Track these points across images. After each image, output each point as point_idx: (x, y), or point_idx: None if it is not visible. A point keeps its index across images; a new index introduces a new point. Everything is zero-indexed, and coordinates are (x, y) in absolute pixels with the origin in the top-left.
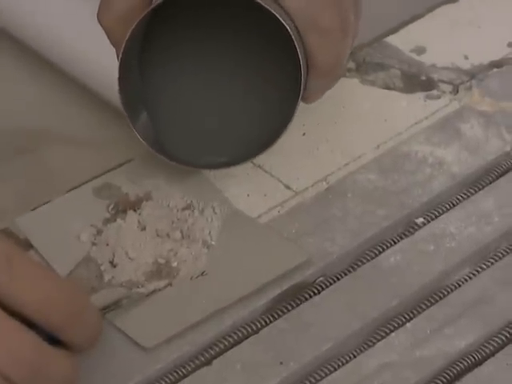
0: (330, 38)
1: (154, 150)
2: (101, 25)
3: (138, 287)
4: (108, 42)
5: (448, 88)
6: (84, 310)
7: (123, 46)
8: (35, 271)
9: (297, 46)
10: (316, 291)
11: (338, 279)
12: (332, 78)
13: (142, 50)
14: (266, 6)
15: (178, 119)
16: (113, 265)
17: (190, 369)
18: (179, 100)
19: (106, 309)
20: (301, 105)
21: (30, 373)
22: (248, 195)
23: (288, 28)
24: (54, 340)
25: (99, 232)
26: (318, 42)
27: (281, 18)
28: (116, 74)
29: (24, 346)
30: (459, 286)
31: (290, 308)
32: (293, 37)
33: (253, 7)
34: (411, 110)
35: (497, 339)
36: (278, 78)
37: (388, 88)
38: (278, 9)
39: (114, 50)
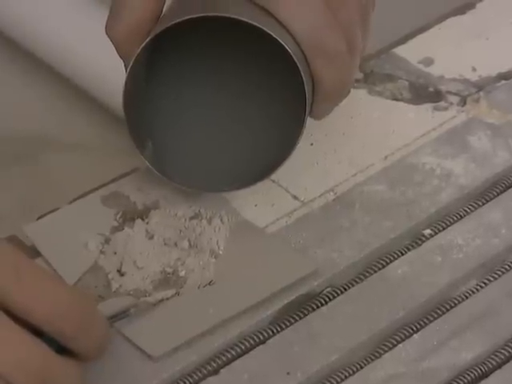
0: (337, 61)
1: (164, 176)
2: (109, 37)
3: (146, 296)
4: (111, 47)
5: (456, 100)
6: (93, 319)
7: (128, 70)
8: (44, 280)
9: (301, 72)
10: (323, 302)
11: (345, 290)
12: (339, 99)
13: (146, 74)
14: (270, 32)
15: (182, 145)
16: (120, 273)
17: (197, 378)
18: (184, 126)
19: (113, 318)
20: (309, 119)
21: (39, 382)
22: (256, 205)
23: (292, 55)
24: (61, 348)
25: (107, 240)
26: (325, 66)
27: (285, 45)
28: (120, 90)
29: (32, 355)
30: (466, 297)
31: (297, 318)
32: (297, 63)
33: (258, 33)
34: (419, 122)
35: (503, 351)
36: (284, 101)
37: (396, 99)
38: (284, 33)
39: (117, 56)
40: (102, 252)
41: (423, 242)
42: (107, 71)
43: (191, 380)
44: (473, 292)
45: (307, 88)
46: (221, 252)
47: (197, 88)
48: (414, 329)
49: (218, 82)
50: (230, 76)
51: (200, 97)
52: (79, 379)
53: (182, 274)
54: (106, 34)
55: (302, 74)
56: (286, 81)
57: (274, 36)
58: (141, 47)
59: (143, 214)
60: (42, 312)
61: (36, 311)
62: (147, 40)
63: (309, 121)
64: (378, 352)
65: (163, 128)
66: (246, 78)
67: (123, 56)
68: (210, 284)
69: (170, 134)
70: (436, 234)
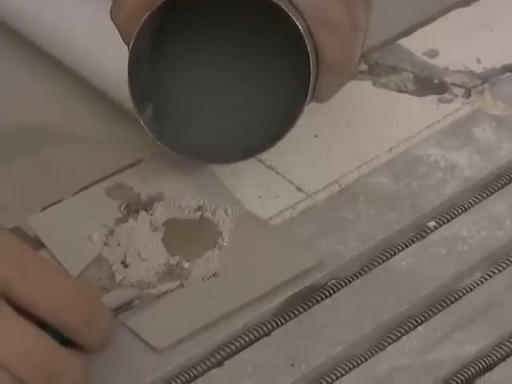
0: (340, 32)
1: (161, 143)
2: (113, 22)
3: (150, 288)
4: (115, 37)
5: (460, 91)
6: (97, 311)
7: (133, 39)
8: (48, 272)
9: (306, 41)
10: (327, 294)
11: (350, 282)
12: (342, 74)
13: (153, 45)
14: (275, 1)
15: (184, 113)
16: (124, 265)
17: (201, 370)
18: (187, 94)
19: (117, 309)
20: (313, 105)
21: (44, 374)
22: (260, 197)
23: (297, 23)
24: (66, 341)
25: (111, 232)
26: (328, 37)
27: (290, 14)
28: (125, 68)
29: (36, 347)
30: (471, 290)
31: (301, 310)
32: (302, 31)
33: (261, 2)
34: (423, 114)
35: (508, 344)
36: (288, 74)
37: (400, 91)
38: (287, 4)
39: (122, 47)
40: (105, 244)
41: (428, 234)
42: (110, 61)
43: (195, 372)
44: (477, 284)
45: (311, 57)
46: (225, 244)
47: (201, 64)
48: (419, 321)
49: (224, 55)
50: (236, 49)
51: (204, 73)
52: (84, 371)
53: (186, 265)
54: (111, 19)
55: (307, 42)
56: (293, 58)
57: (279, 4)
58: (147, 15)
59: (147, 206)
60: (46, 304)
61: (40, 303)
62: (154, 9)
63: (313, 112)
64: (382, 344)
65: (165, 95)
66: (251, 52)
67: (127, 41)
68: (214, 276)
69: (171, 103)
70: (440, 226)
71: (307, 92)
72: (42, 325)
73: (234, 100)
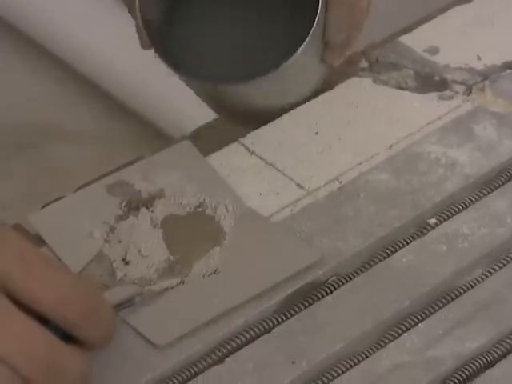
0: None
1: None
2: None
3: (151, 285)
4: (117, 35)
5: (461, 88)
6: (98, 307)
7: None
8: (50, 268)
9: None
10: (328, 291)
11: (351, 279)
12: (354, 11)
13: None
14: None
15: (193, 37)
16: (125, 262)
17: (202, 367)
18: (196, 19)
19: (118, 306)
20: (314, 102)
21: (44, 370)
22: (260, 194)
23: None
24: (67, 337)
25: (112, 229)
26: None
27: None
28: (124, 78)
29: (38, 343)
30: (471, 286)
31: (302, 307)
32: None
33: None
34: (424, 111)
35: (509, 341)
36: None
37: (401, 88)
38: None
39: (124, 45)
40: (106, 241)
41: (428, 231)
42: (111, 59)
43: (196, 369)
44: (478, 281)
45: None
46: (225, 241)
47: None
48: (419, 318)
49: None
50: None
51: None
52: (85, 367)
53: (187, 262)
54: None
55: None
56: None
57: None
58: None
59: (148, 203)
60: (47, 299)
61: (40, 298)
62: None
63: (314, 109)
64: (383, 341)
65: (176, 18)
66: None
67: None
68: (214, 273)
69: (182, 26)
70: (441, 223)
71: (315, 19)
72: (43, 320)
73: (243, 27)
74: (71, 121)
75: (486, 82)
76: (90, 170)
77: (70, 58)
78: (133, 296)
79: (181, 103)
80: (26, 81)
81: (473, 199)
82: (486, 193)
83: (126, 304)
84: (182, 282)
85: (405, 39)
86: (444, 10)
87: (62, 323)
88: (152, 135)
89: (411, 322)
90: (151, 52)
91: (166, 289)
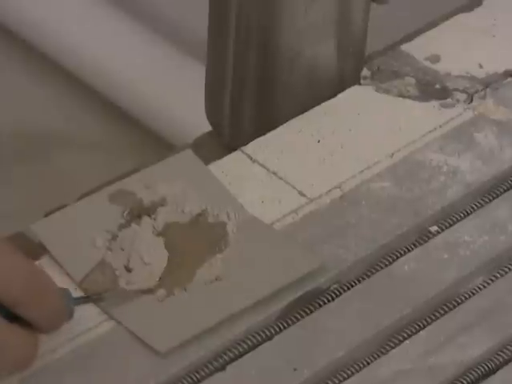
0: None
1: None
2: None
3: (153, 292)
4: (120, 43)
5: (462, 97)
6: (43, 287)
7: None
8: None
9: None
10: (330, 298)
11: (352, 286)
12: None
13: None
14: None
15: None
16: (128, 270)
17: (203, 374)
18: None
19: (85, 298)
20: (315, 111)
21: None
22: (262, 201)
23: None
24: (12, 316)
25: (114, 237)
26: None
27: None
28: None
29: None
30: (473, 294)
31: (304, 314)
32: None
33: None
34: (425, 119)
35: (510, 348)
36: None
37: (402, 96)
38: None
39: (126, 53)
40: (109, 249)
41: (430, 238)
42: (113, 67)
43: (198, 376)
44: (479, 289)
45: None
46: (228, 248)
47: None
48: (421, 325)
49: None
50: None
51: None
52: (29, 349)
53: (189, 270)
54: None
55: None
56: None
57: None
58: None
59: (150, 211)
60: None
61: None
62: None
63: (316, 118)
64: (384, 348)
65: None
66: None
67: None
68: (216, 280)
69: None
70: (443, 230)
71: None
72: None
73: None
74: (73, 129)
75: (488, 90)
76: (92, 178)
77: (72, 66)
78: (135, 303)
79: (183, 112)
80: (28, 89)
81: (474, 207)
82: (487, 200)
83: (94, 297)
84: (185, 289)
85: (406, 48)
86: (445, 18)
87: (3, 299)
88: (154, 143)
89: (413, 329)
90: (155, 62)
91: (168, 296)
